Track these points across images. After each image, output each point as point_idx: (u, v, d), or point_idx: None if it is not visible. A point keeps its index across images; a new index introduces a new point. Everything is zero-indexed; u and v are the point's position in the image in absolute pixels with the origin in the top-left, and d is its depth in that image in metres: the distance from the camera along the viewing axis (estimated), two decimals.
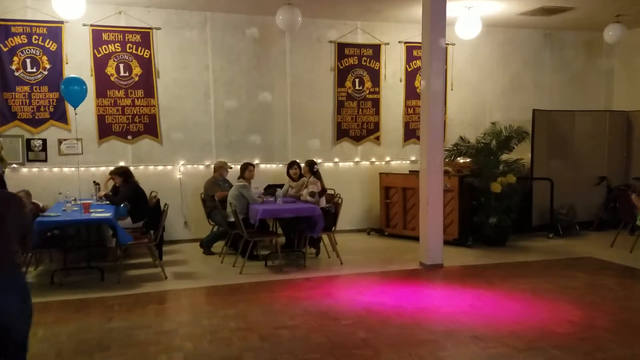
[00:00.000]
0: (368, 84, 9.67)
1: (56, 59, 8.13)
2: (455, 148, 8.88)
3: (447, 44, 8.59)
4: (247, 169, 7.65)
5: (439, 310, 5.34)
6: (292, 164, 8.27)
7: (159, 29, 8.57)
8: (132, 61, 8.47)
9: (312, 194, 7.45)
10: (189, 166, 8.87)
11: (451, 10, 7.66)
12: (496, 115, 10.04)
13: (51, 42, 8.10)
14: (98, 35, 8.29)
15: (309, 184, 7.64)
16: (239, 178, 7.54)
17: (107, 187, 7.94)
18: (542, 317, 5.05)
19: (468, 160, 9.08)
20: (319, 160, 9.25)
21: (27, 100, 8.06)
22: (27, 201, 7.08)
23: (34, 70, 8.06)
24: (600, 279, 6.47)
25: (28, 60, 8.02)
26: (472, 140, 8.88)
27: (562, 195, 9.25)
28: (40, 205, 7.32)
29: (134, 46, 8.47)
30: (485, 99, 10.34)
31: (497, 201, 8.33)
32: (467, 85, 10.17)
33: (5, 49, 7.93)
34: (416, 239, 7.58)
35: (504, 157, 8.77)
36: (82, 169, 8.23)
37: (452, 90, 9.96)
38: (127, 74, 8.46)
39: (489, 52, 10.27)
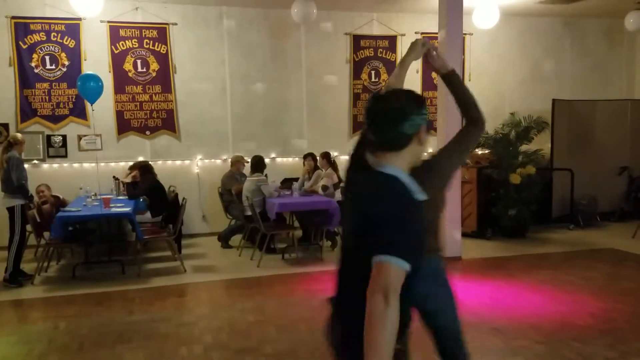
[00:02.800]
0: (384, 76, 9.61)
1: (74, 55, 8.22)
2: None
3: (465, 34, 8.49)
4: (263, 163, 7.67)
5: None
6: (305, 156, 8.29)
7: (176, 24, 8.61)
8: (149, 57, 8.53)
9: (324, 188, 7.46)
10: (207, 161, 8.93)
11: (468, 0, 7.57)
12: (515, 105, 9.90)
13: (69, 39, 8.19)
14: (115, 32, 8.36)
15: (324, 177, 7.65)
16: (253, 172, 7.54)
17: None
18: (563, 309, 4.99)
19: (486, 151, 8.98)
20: (335, 153, 9.23)
21: (47, 97, 8.18)
22: (48, 193, 7.22)
23: (53, 67, 8.17)
24: (621, 271, 6.37)
25: (47, 57, 8.13)
26: (491, 131, 8.77)
27: (582, 186, 9.11)
28: (61, 197, 7.44)
29: (151, 42, 8.53)
30: (504, 89, 10.21)
31: (516, 192, 8.24)
32: (486, 76, 10.04)
33: (24, 47, 8.04)
34: None
35: (523, 147, 8.66)
36: (102, 164, 8.33)
37: (470, 80, 9.83)
38: (144, 70, 8.53)
39: (507, 42, 10.13)
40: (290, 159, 9.28)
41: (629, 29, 9.32)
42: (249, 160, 8.13)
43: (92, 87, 7.12)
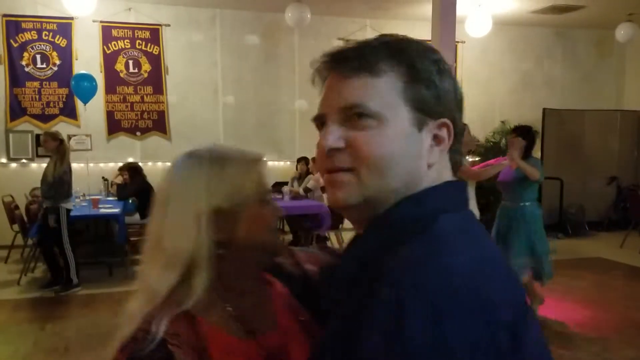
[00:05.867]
0: None
1: (66, 55, 8.17)
2: None
3: (457, 42, 8.54)
4: None
5: None
6: (299, 160, 8.28)
7: (168, 25, 8.59)
8: (141, 57, 8.50)
9: (305, 190, 7.48)
10: None
11: (461, 8, 7.60)
12: (506, 113, 9.97)
13: (61, 38, 8.14)
14: (108, 32, 8.33)
15: (311, 179, 7.66)
16: None
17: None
18: (550, 318, 5.01)
19: (477, 159, 9.02)
20: None
21: (37, 96, 8.11)
22: None
23: (44, 66, 8.11)
24: (608, 280, 6.42)
25: (38, 56, 8.08)
26: (482, 139, 8.83)
27: (571, 195, 9.18)
28: None
29: (143, 43, 8.50)
30: (495, 97, 10.28)
31: None
32: (477, 84, 10.09)
33: (15, 45, 7.98)
34: None
35: None
36: (91, 164, 8.28)
37: (461, 88, 9.89)
38: (136, 71, 8.49)
39: (499, 50, 10.20)
40: (282, 163, 9.27)
41: (620, 40, 9.41)
42: None
43: (86, 87, 7.12)
